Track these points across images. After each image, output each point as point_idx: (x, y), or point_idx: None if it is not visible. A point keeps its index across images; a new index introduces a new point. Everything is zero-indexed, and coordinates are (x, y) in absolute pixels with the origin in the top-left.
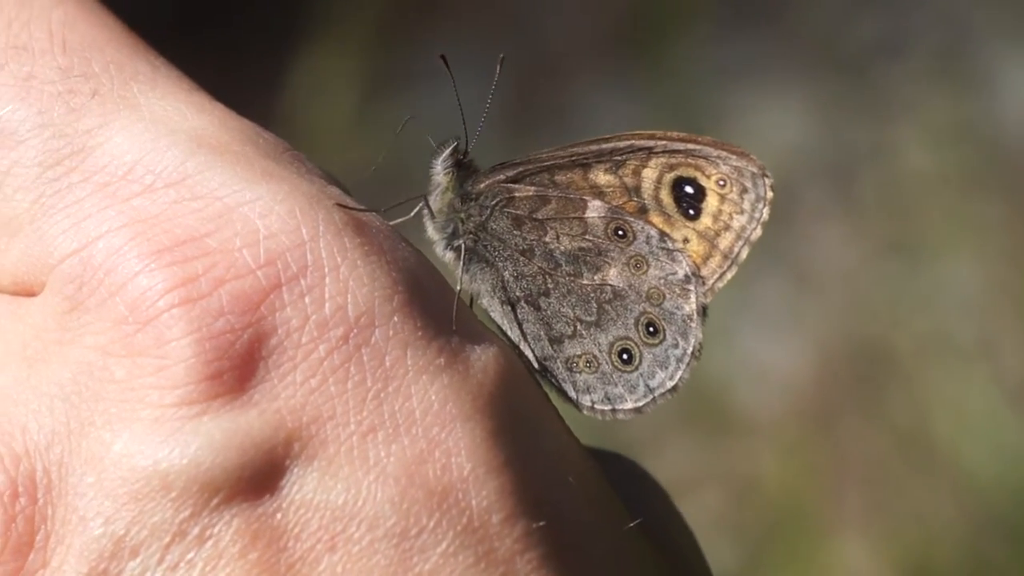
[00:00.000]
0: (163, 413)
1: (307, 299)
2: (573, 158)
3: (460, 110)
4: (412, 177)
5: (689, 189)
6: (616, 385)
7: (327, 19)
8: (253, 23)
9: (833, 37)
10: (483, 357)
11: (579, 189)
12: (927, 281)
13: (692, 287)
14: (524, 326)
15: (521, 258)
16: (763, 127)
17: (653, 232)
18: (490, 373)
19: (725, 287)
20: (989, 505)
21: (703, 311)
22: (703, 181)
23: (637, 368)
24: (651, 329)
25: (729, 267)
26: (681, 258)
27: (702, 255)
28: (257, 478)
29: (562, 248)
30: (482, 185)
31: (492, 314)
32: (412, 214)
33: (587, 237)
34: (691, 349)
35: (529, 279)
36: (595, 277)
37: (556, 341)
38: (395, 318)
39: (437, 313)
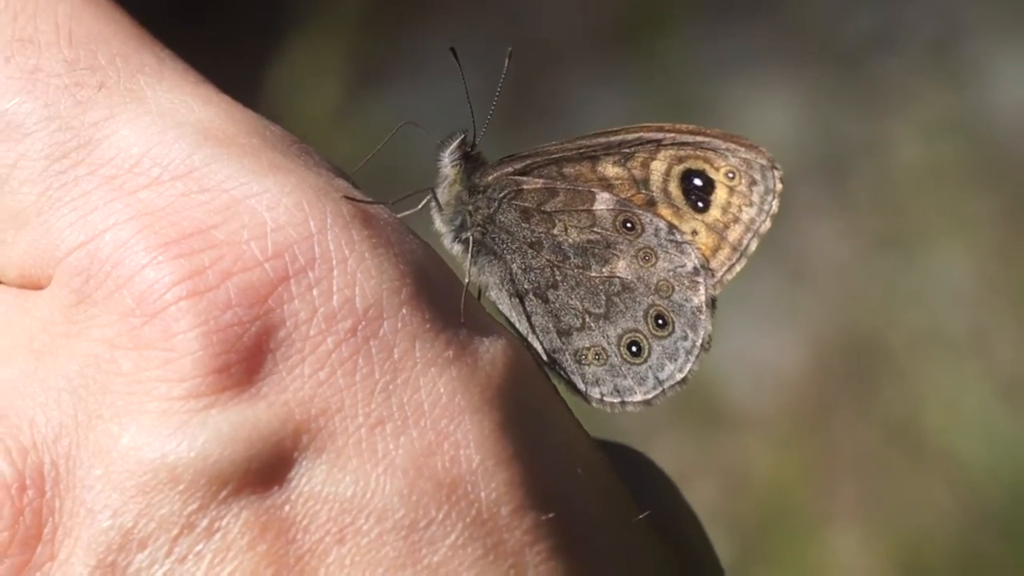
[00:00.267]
0: (171, 406)
1: (315, 291)
2: (581, 150)
3: (468, 102)
4: (406, 174)
5: (698, 181)
6: (625, 377)
7: (311, 12)
8: (237, 16)
9: (827, 31)
10: (491, 349)
11: (587, 181)
12: (920, 275)
13: (701, 279)
14: (532, 318)
15: (529, 250)
16: (757, 121)
17: (662, 224)
18: (498, 365)
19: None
20: (981, 498)
21: (712, 303)
22: (712, 173)
23: (646, 360)
24: (660, 321)
25: (738, 259)
26: (690, 250)
27: (711, 247)
28: (265, 470)
29: (570, 240)
30: (490, 178)
31: (500, 307)
32: (420, 207)
33: (595, 229)
34: (700, 341)
35: (537, 271)
36: (604, 269)
37: (565, 333)
38: (403, 310)
39: (445, 306)
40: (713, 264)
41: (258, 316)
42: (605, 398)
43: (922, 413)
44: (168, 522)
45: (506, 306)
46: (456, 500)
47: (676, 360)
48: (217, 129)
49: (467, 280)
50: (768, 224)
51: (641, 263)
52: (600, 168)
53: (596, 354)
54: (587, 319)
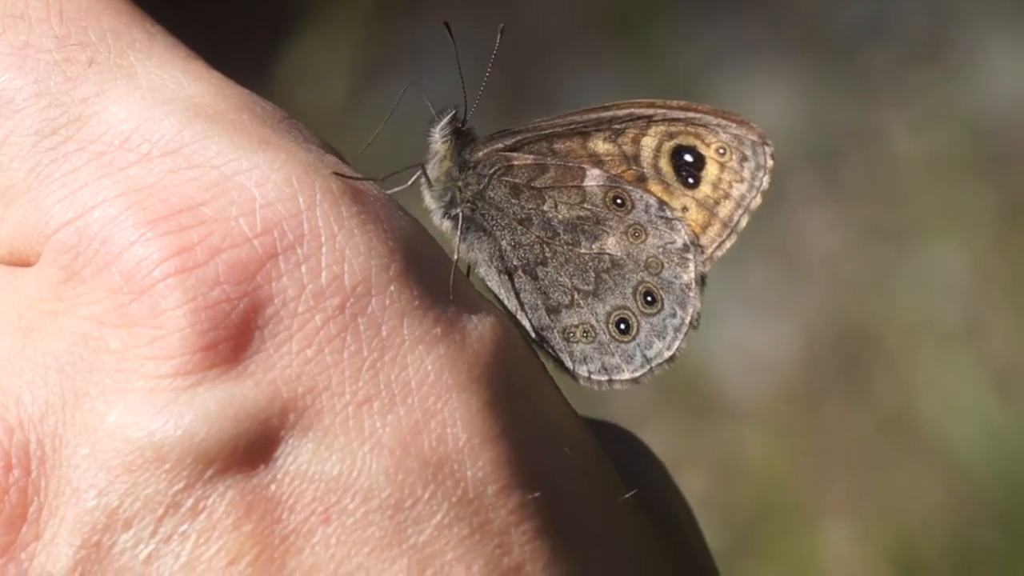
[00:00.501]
0: (158, 384)
1: (303, 268)
2: (572, 126)
3: (460, 77)
4: (410, 151)
5: (688, 158)
6: (613, 355)
7: (316, 5)
8: (241, 5)
9: (820, 20)
10: (480, 327)
11: (578, 158)
12: (913, 265)
13: (691, 256)
14: (521, 295)
15: (519, 227)
16: (749, 110)
17: (652, 201)
18: (487, 343)
19: (710, 271)
20: (975, 488)
21: (702, 280)
22: (703, 149)
23: (634, 338)
24: (649, 298)
25: (728, 236)
26: (680, 227)
27: (701, 224)
28: (251, 449)
29: (560, 217)
30: (480, 154)
31: (489, 283)
32: (410, 183)
33: (585, 206)
34: (689, 319)
35: (527, 248)
36: (593, 246)
37: (553, 311)
38: (392, 287)
39: (434, 282)
40: (703, 241)
41: (246, 293)
42: (593, 376)
43: (915, 403)
44: (153, 501)
45: (495, 283)
46: (442, 479)
47: (664, 338)
48: (207, 105)
49: (456, 257)
50: (759, 200)
51: (631, 240)
52: (591, 144)
53: (584, 331)
54: (576, 296)
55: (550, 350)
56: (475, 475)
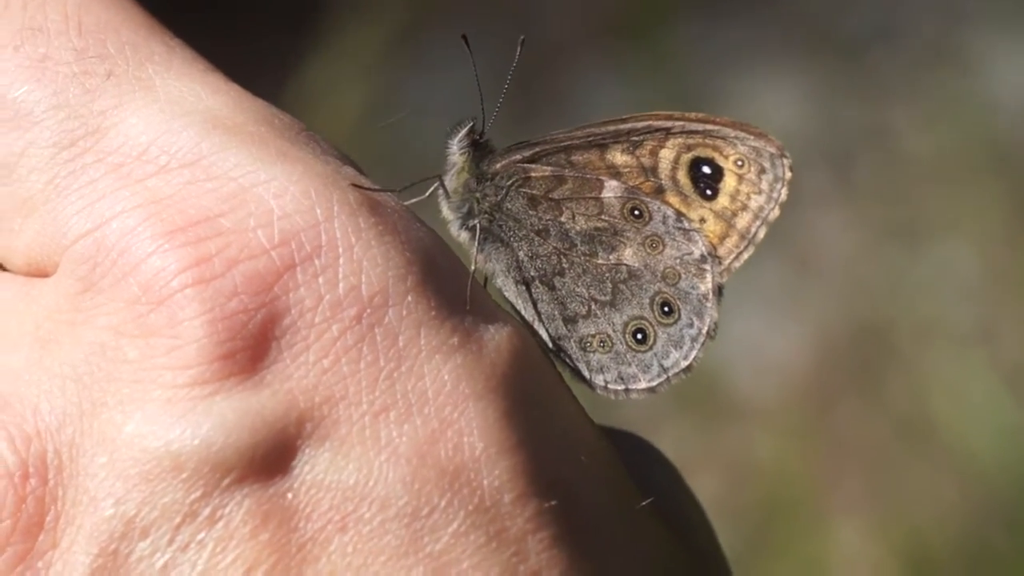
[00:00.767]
0: (175, 393)
1: (320, 279)
2: (590, 138)
3: (479, 89)
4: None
5: (707, 169)
6: (630, 365)
7: (335, 23)
8: (261, 18)
9: (829, 22)
10: (497, 337)
11: (596, 169)
12: (926, 266)
13: (708, 267)
14: (538, 306)
15: (536, 238)
16: (760, 112)
17: (669, 212)
18: (503, 353)
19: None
20: (989, 489)
21: (719, 291)
22: (721, 161)
23: (651, 348)
24: (666, 309)
25: (746, 247)
26: (697, 238)
27: (719, 235)
28: (269, 458)
29: (578, 228)
30: (498, 165)
31: (506, 294)
32: (427, 194)
33: (603, 217)
34: (706, 329)
35: (544, 259)
36: (610, 257)
37: (570, 321)
38: (409, 298)
39: (451, 293)
40: (720, 252)
41: (263, 304)
42: (609, 385)
43: (928, 404)
44: (171, 510)
45: (512, 293)
46: (459, 488)
47: (681, 348)
48: (225, 117)
49: (473, 267)
50: (776, 212)
51: (648, 251)
52: (609, 156)
53: (601, 341)
54: (593, 306)
55: (567, 360)
56: (492, 484)
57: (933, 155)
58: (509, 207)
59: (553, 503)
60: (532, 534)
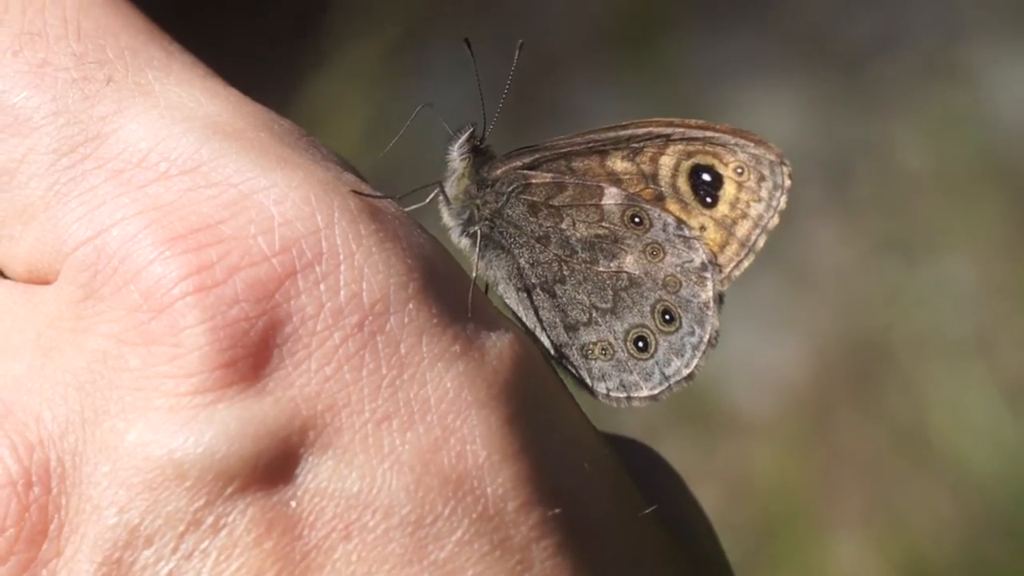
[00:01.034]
0: (177, 402)
1: (322, 286)
2: (590, 145)
3: (480, 95)
4: (427, 169)
5: (707, 177)
6: (631, 373)
7: (342, 21)
8: (263, 27)
9: (828, 34)
10: (498, 344)
11: (596, 176)
12: (924, 278)
13: (709, 275)
14: (540, 313)
15: (537, 245)
16: (758, 124)
17: (670, 220)
18: (505, 360)
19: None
20: (987, 502)
21: (720, 299)
22: (721, 169)
23: (652, 356)
24: (667, 317)
25: (746, 255)
26: (698, 246)
27: (719, 243)
28: (272, 467)
29: (578, 235)
30: (498, 171)
31: (508, 301)
32: (428, 200)
33: (603, 224)
34: (707, 337)
35: (545, 266)
36: (611, 264)
37: (571, 328)
38: (410, 305)
39: (452, 300)
40: (721, 260)
41: (265, 311)
42: (611, 393)
43: (926, 417)
44: (174, 519)
45: (513, 300)
46: (462, 496)
47: (683, 356)
48: (225, 123)
49: (474, 274)
50: (776, 220)
51: (649, 258)
52: (609, 163)
53: (603, 349)
54: (594, 314)
55: (569, 367)
56: (495, 492)
57: (931, 168)
58: (510, 213)
59: (557, 511)
60: (536, 542)
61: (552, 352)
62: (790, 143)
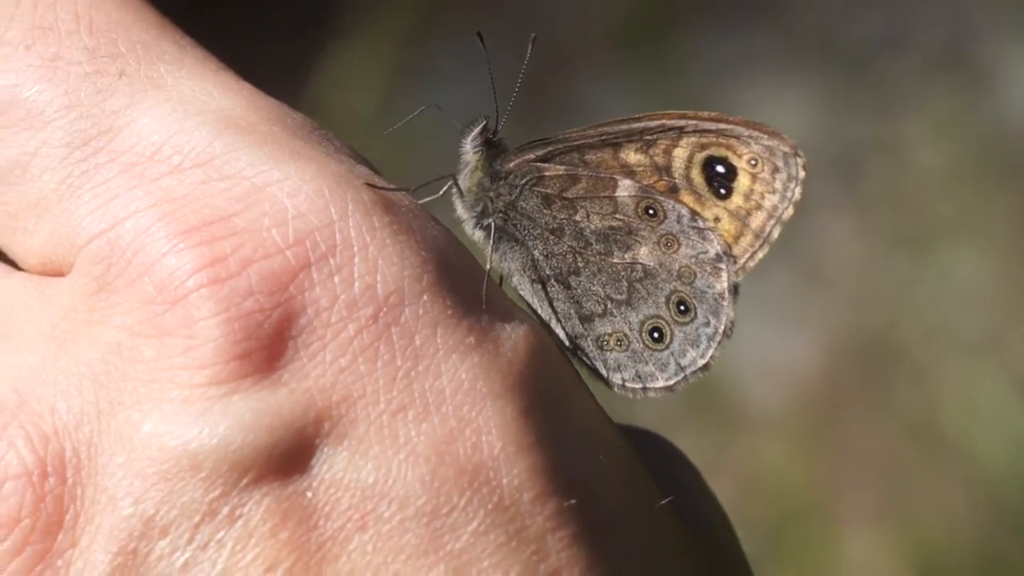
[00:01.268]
0: (192, 393)
1: (336, 278)
2: (603, 137)
3: (493, 88)
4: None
5: (720, 168)
6: (647, 363)
7: (350, 18)
8: (274, 17)
9: (837, 32)
10: (513, 335)
11: (609, 168)
12: (934, 274)
13: (723, 265)
14: (555, 304)
15: (551, 237)
16: (768, 120)
17: (684, 211)
18: (520, 351)
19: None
20: (1000, 496)
21: (734, 290)
22: (734, 160)
23: (668, 346)
24: (682, 307)
25: (760, 246)
26: (712, 237)
27: (733, 234)
28: (287, 457)
29: (592, 227)
30: (511, 164)
31: (522, 293)
32: (441, 193)
33: (617, 216)
34: (722, 327)
35: (559, 258)
36: (626, 256)
37: (586, 319)
38: (425, 297)
39: (467, 292)
40: (735, 251)
41: (279, 303)
42: (627, 384)
43: (938, 412)
44: (190, 509)
45: (528, 292)
46: (478, 487)
47: (698, 346)
48: (238, 117)
49: (488, 266)
50: (791, 211)
51: (663, 249)
52: (622, 155)
53: (618, 340)
54: (609, 305)
55: (584, 358)
56: (511, 482)
57: (941, 164)
58: (523, 206)
59: (572, 502)
60: (552, 533)
61: (567, 343)
62: (800, 139)
